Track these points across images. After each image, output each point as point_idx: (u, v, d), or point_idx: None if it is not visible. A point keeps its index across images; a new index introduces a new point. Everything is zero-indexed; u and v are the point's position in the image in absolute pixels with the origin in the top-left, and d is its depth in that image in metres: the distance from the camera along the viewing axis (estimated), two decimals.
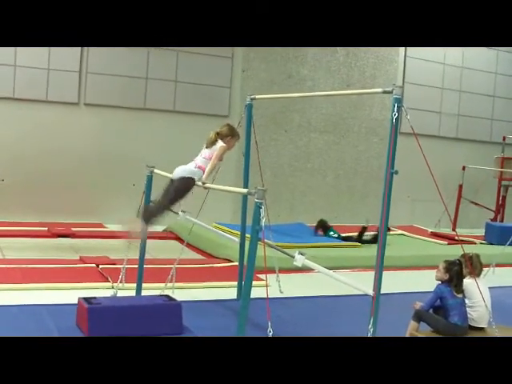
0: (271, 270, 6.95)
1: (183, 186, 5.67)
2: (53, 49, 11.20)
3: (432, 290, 5.97)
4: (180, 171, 5.72)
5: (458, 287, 5.67)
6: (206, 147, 5.84)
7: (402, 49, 14.19)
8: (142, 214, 5.67)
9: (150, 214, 5.64)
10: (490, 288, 6.01)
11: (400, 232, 12.45)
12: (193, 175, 5.67)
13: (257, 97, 6.81)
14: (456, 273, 5.67)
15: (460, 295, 5.65)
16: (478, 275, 5.93)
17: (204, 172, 5.69)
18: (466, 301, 5.74)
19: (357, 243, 10.59)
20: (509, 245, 9.17)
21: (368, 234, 10.78)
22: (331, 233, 11.13)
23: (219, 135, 5.87)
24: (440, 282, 5.71)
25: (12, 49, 10.94)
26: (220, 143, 5.81)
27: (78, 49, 11.42)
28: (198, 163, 5.73)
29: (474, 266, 5.88)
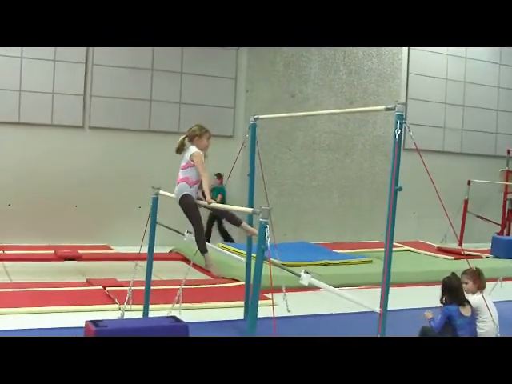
0: (278, 289, 6.94)
1: (186, 206, 5.82)
2: (57, 73, 11.31)
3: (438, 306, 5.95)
4: (175, 195, 5.89)
5: (460, 298, 5.61)
6: (177, 152, 5.92)
7: (404, 65, 14.25)
8: (200, 249, 5.91)
9: (201, 244, 5.87)
10: (497, 302, 5.99)
11: (406, 248, 12.39)
12: (182, 192, 5.80)
13: (260, 116, 6.84)
14: (443, 287, 5.67)
15: (468, 314, 5.58)
16: (483, 288, 5.92)
17: (188, 184, 5.76)
18: (477, 317, 5.70)
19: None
20: None
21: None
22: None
23: (187, 138, 5.90)
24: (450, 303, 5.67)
25: (17, 74, 11.05)
26: (193, 149, 5.81)
27: (82, 72, 11.52)
28: (179, 178, 5.83)
29: (480, 279, 5.87)
